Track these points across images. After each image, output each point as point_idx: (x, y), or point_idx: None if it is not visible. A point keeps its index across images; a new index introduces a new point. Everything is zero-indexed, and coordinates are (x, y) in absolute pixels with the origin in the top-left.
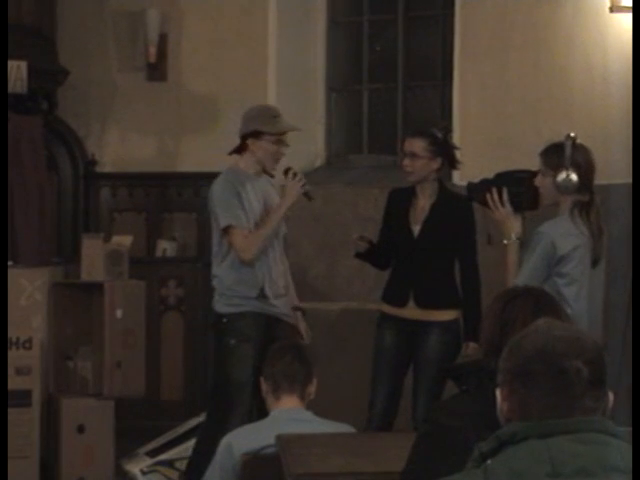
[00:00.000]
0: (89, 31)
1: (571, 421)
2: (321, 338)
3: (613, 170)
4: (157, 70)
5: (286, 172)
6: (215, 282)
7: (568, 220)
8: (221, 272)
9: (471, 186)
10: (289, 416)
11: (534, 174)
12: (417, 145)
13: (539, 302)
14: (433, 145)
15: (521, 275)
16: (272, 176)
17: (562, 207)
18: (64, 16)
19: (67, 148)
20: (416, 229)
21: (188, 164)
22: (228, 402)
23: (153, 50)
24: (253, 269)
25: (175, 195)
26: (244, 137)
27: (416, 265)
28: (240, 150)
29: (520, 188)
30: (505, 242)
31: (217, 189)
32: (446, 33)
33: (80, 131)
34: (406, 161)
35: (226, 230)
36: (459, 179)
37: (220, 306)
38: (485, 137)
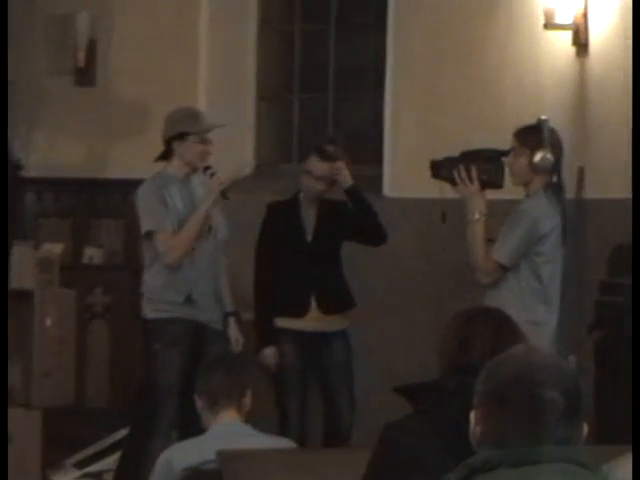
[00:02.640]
0: (18, 34)
1: (543, 450)
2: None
3: None
4: (86, 74)
5: (205, 171)
6: (143, 288)
7: (545, 200)
8: (148, 277)
9: (435, 164)
10: (229, 431)
11: (503, 153)
12: (324, 169)
13: (498, 322)
14: (337, 169)
15: (502, 252)
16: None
17: (533, 187)
18: None
19: None
20: (309, 237)
21: (117, 170)
22: (153, 408)
23: (82, 54)
24: (180, 273)
25: (103, 201)
26: (168, 141)
27: (314, 271)
28: (166, 155)
29: (489, 166)
30: (476, 217)
31: (140, 194)
32: (379, 43)
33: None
34: (310, 181)
35: (148, 235)
36: (389, 191)
37: (147, 311)
38: (416, 148)
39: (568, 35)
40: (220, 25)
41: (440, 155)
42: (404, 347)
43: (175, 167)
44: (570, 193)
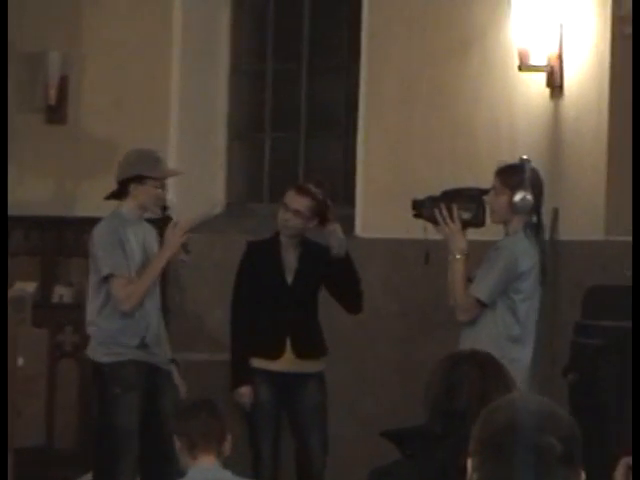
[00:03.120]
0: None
1: None
2: (216, 388)
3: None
4: (57, 112)
5: (165, 222)
6: (92, 330)
7: (524, 239)
8: (101, 320)
9: (417, 203)
10: (207, 476)
11: (483, 192)
12: (301, 203)
13: (485, 367)
14: (316, 206)
15: (481, 288)
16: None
17: (513, 226)
18: None
19: None
20: (289, 278)
21: (86, 208)
22: (115, 452)
23: (53, 92)
24: (134, 318)
25: (72, 239)
26: (124, 182)
27: (291, 313)
28: (119, 195)
29: (470, 205)
30: (457, 257)
31: (99, 234)
32: (350, 83)
33: None
34: (286, 216)
35: (106, 278)
36: (361, 231)
37: (100, 355)
38: (388, 189)
39: (542, 76)
40: (191, 64)
41: (411, 195)
42: (373, 387)
43: (129, 208)
44: (545, 235)
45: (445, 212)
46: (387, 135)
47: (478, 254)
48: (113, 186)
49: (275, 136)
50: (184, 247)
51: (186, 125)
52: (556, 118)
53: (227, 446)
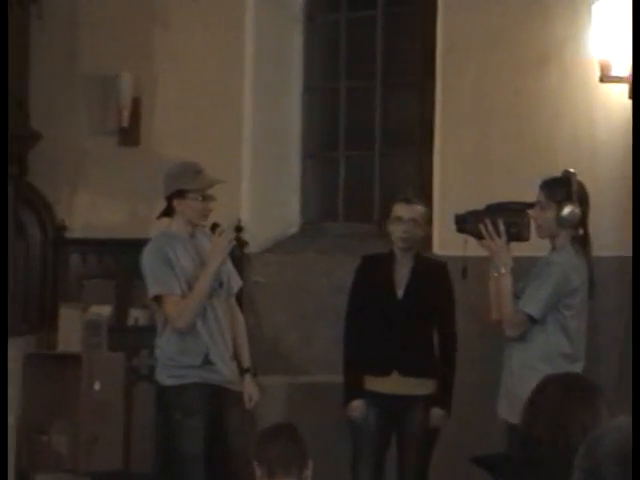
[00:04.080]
0: (60, 94)
1: None
2: (286, 412)
3: (601, 242)
4: (129, 135)
5: (213, 229)
6: (157, 353)
7: (573, 253)
8: (162, 342)
9: (460, 217)
10: None
11: (529, 206)
12: (415, 211)
13: (571, 389)
14: (428, 213)
15: (532, 304)
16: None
17: (559, 240)
18: (36, 79)
19: (36, 214)
20: (400, 292)
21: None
22: (181, 477)
23: (126, 114)
24: (196, 336)
25: None
26: (169, 198)
27: (401, 330)
28: (168, 212)
29: (516, 219)
30: (502, 271)
31: (146, 256)
32: (425, 100)
33: (50, 196)
34: (403, 227)
35: (156, 299)
36: (439, 250)
37: (163, 378)
38: (466, 207)
39: (624, 88)
40: (264, 83)
41: None
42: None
43: (178, 225)
44: (628, 250)
45: (491, 227)
46: (463, 152)
47: (517, 270)
48: None
49: (349, 154)
50: (233, 252)
51: (259, 145)
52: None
53: (308, 473)
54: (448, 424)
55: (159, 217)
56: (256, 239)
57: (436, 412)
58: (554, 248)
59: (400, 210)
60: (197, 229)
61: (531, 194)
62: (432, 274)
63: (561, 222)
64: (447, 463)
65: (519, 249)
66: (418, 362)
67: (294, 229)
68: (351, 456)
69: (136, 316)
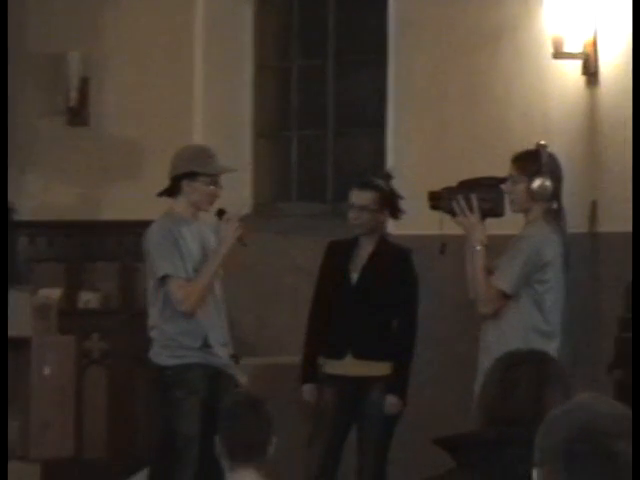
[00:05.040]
0: (8, 75)
1: None
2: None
3: None
4: (78, 114)
5: (220, 215)
6: (155, 333)
7: (546, 227)
8: (163, 323)
9: (433, 195)
10: None
11: (502, 181)
12: (365, 198)
13: (543, 367)
14: (381, 198)
15: (504, 279)
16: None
17: (532, 214)
18: None
19: None
20: (355, 277)
21: (111, 212)
22: (175, 458)
23: (74, 94)
24: (196, 319)
25: (97, 244)
26: (176, 178)
27: (355, 314)
28: (171, 192)
29: (489, 195)
30: (477, 248)
31: (153, 235)
32: (379, 78)
33: None
34: (354, 214)
35: (163, 279)
36: (394, 228)
37: (163, 358)
38: (420, 186)
39: (577, 64)
40: (215, 62)
41: None
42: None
43: (182, 207)
44: (583, 227)
45: (464, 203)
46: (418, 130)
47: (494, 248)
48: (138, 188)
49: (302, 134)
50: (240, 240)
51: (211, 125)
52: (592, 107)
53: (271, 450)
54: (410, 406)
55: (160, 195)
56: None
57: (390, 399)
58: (527, 222)
59: (353, 196)
60: (199, 214)
61: (486, 172)
62: (392, 259)
63: (533, 195)
64: (409, 444)
65: (498, 227)
66: (372, 346)
67: (247, 210)
68: (309, 435)
69: (87, 299)
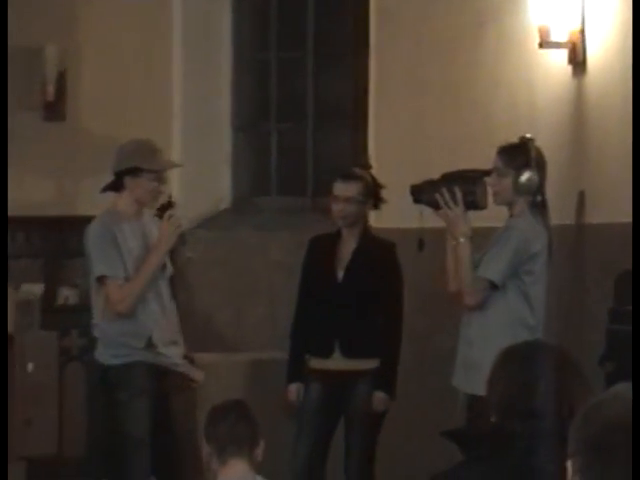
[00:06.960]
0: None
1: None
2: (227, 391)
3: None
4: (55, 109)
5: (161, 209)
6: (97, 332)
7: (532, 219)
8: (104, 322)
9: (416, 188)
10: None
11: (485, 173)
12: (351, 189)
13: (562, 359)
14: (365, 187)
15: (491, 269)
16: None
17: (517, 207)
18: None
19: None
20: (340, 274)
21: (88, 207)
22: (126, 461)
23: (51, 88)
24: (138, 318)
25: (75, 239)
26: (119, 174)
27: (341, 312)
28: (115, 187)
29: (472, 187)
30: (462, 241)
31: (92, 234)
32: (359, 70)
33: None
34: (339, 206)
35: (100, 280)
36: (374, 222)
37: (106, 358)
38: (402, 179)
39: (564, 53)
40: (193, 54)
41: None
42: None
43: (125, 203)
44: (570, 218)
45: (447, 195)
46: (399, 123)
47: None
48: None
49: (281, 127)
50: (181, 239)
51: (189, 118)
52: (579, 96)
53: (260, 452)
54: (396, 402)
55: (103, 191)
56: (187, 215)
57: (378, 396)
58: (512, 215)
59: (337, 189)
60: (144, 210)
61: (468, 164)
62: (377, 254)
63: (519, 189)
64: (397, 439)
65: (481, 219)
66: (359, 343)
67: (226, 204)
68: (296, 430)
69: (66, 295)
